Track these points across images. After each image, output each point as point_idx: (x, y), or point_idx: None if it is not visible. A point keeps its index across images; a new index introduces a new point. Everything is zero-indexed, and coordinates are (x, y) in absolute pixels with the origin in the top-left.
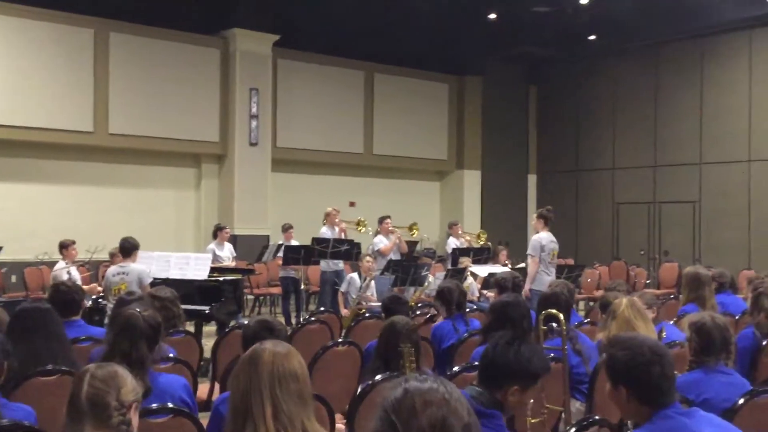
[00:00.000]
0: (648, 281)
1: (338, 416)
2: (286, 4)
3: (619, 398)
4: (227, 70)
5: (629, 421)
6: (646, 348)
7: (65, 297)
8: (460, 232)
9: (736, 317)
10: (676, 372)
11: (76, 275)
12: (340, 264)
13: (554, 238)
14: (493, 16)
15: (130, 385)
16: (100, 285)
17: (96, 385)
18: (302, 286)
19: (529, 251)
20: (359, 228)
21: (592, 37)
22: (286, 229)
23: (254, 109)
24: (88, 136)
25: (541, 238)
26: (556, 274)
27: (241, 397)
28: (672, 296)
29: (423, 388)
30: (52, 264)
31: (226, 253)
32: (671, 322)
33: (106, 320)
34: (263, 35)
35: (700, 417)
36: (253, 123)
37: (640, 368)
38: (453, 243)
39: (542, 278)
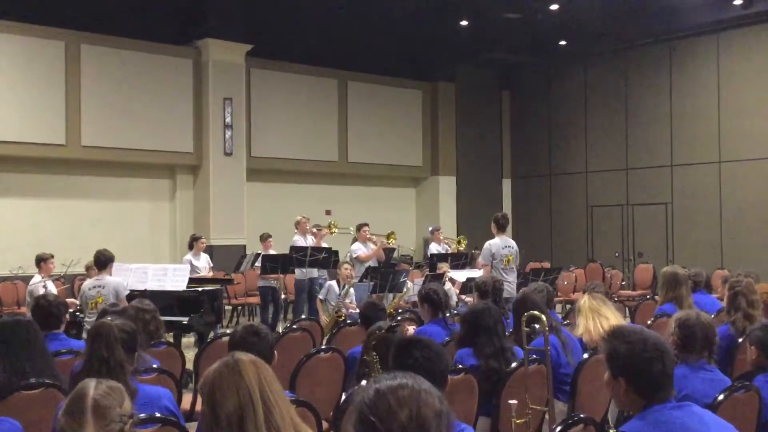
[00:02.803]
0: (623, 282)
1: (324, 424)
2: (259, 13)
3: (618, 389)
4: (200, 80)
5: (617, 413)
6: (649, 343)
7: (47, 310)
8: (441, 237)
9: (712, 316)
10: None
11: (53, 289)
12: (315, 272)
13: (510, 243)
14: (464, 22)
15: (128, 402)
16: (76, 298)
17: (103, 389)
18: (282, 296)
19: (480, 258)
20: (331, 231)
21: (563, 43)
22: (265, 238)
23: (228, 119)
24: (61, 148)
25: (492, 245)
26: (533, 278)
27: (233, 410)
28: (648, 297)
29: (393, 385)
30: (26, 278)
31: (203, 263)
32: (648, 323)
33: (84, 334)
34: (236, 45)
35: (690, 410)
36: (228, 133)
37: (641, 363)
38: (434, 248)
39: None
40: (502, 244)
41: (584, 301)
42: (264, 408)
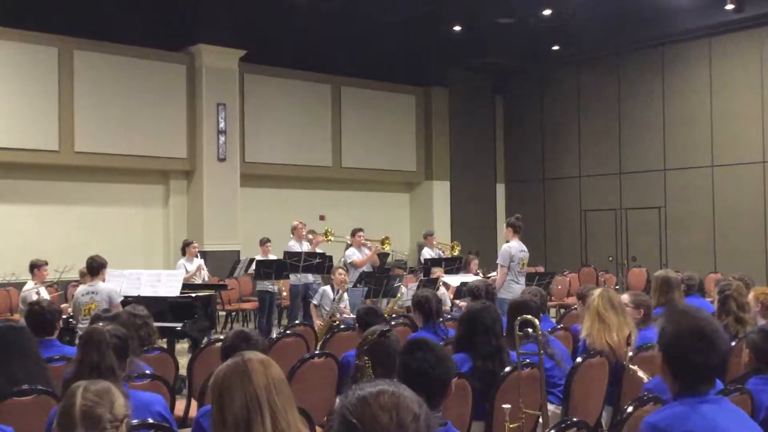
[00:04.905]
0: (617, 287)
1: (318, 429)
2: (252, 18)
3: (659, 362)
4: (194, 85)
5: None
6: (697, 332)
7: (40, 317)
8: (434, 242)
9: None
10: (649, 376)
11: (45, 295)
12: (310, 277)
13: (524, 247)
14: (457, 28)
15: (121, 400)
16: (69, 305)
17: (90, 398)
18: (279, 299)
19: (498, 260)
20: (327, 238)
21: (556, 47)
22: (263, 242)
23: (222, 125)
24: (54, 155)
25: (511, 247)
26: (527, 282)
27: (239, 413)
28: None
29: (374, 392)
30: (19, 285)
31: (196, 267)
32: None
33: (77, 340)
34: (229, 50)
35: (723, 406)
36: (221, 138)
37: (681, 349)
38: (427, 253)
39: (512, 287)
40: (518, 247)
41: (594, 299)
42: (270, 412)
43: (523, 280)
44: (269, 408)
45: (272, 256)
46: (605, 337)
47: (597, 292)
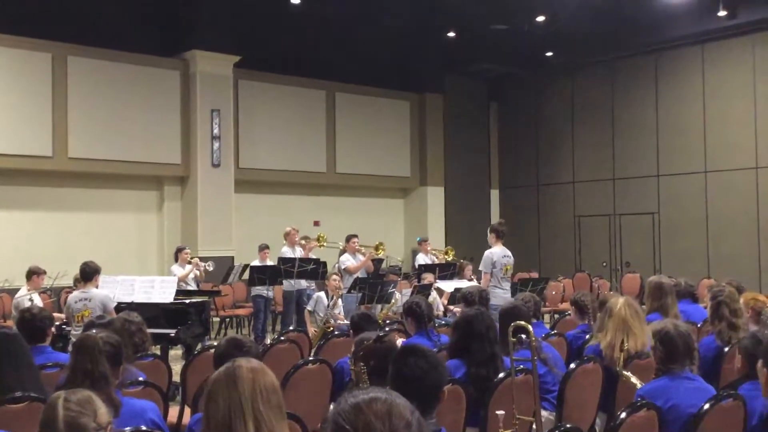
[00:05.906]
0: (611, 292)
1: None
2: (247, 24)
3: (761, 375)
4: (188, 91)
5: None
6: None
7: (32, 323)
8: (429, 248)
9: (698, 325)
10: (641, 381)
11: (39, 302)
12: (303, 283)
13: (508, 253)
14: (452, 34)
15: (103, 408)
16: (62, 311)
17: (73, 408)
18: (273, 305)
19: (481, 267)
20: (320, 244)
21: (550, 54)
22: (262, 248)
23: (216, 131)
24: (48, 160)
25: (493, 253)
26: (520, 288)
27: (222, 419)
28: None
29: (367, 399)
30: (12, 291)
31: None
32: None
33: (70, 347)
34: (224, 56)
35: None
36: (215, 144)
37: None
38: (422, 259)
39: (495, 293)
40: (501, 252)
41: (620, 308)
42: (254, 420)
43: (507, 285)
44: (252, 416)
45: (270, 263)
46: (628, 344)
47: (621, 301)
